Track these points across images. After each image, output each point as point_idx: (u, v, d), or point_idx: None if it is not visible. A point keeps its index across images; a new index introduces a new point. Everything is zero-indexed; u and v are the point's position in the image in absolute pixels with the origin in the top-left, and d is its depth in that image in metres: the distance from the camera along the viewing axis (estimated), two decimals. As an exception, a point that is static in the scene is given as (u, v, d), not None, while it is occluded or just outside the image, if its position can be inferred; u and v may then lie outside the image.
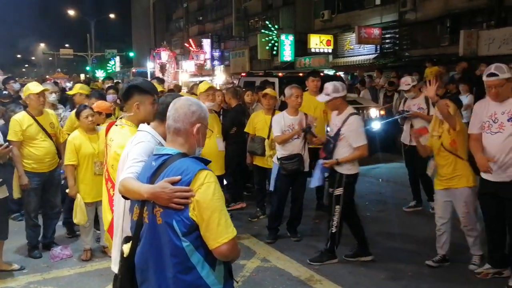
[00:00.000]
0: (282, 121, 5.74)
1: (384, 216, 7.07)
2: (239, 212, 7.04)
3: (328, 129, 5.47)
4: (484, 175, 4.57)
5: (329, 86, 5.13)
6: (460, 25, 18.33)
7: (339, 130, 5.08)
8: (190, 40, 40.35)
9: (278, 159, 5.74)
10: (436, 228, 5.16)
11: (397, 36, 22.70)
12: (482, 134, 4.57)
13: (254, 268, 5.15)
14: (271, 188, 5.97)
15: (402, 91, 7.53)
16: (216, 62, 38.78)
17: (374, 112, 11.01)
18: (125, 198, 2.52)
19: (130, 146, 2.79)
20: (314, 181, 5.37)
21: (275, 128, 5.79)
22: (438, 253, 5.14)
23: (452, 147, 4.88)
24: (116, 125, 3.40)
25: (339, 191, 5.12)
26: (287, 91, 5.82)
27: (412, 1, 20.85)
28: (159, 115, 2.90)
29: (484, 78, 4.41)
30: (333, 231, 5.18)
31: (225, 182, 4.75)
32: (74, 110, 6.27)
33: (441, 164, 4.99)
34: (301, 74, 11.89)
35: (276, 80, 10.82)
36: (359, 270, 5.09)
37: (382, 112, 11.26)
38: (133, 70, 41.93)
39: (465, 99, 9.71)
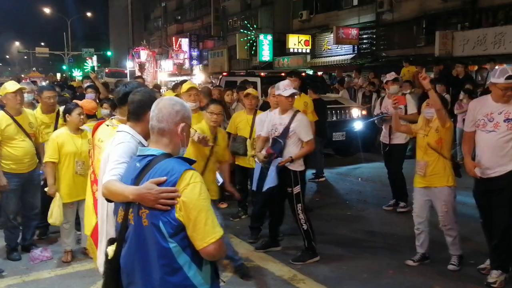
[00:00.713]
0: (267, 120, 5.74)
1: (365, 214, 7.15)
2: (221, 211, 7.01)
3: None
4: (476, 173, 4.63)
5: (290, 83, 5.33)
6: (435, 26, 18.59)
7: (287, 128, 5.16)
8: (172, 38, 40.04)
9: (261, 159, 5.74)
10: (414, 227, 5.22)
11: (374, 36, 22.92)
12: (476, 132, 4.62)
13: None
14: (254, 188, 5.96)
15: (383, 90, 7.60)
16: (194, 62, 38.62)
17: (356, 112, 11.10)
18: (109, 200, 2.48)
19: (111, 147, 2.73)
20: (269, 182, 5.19)
21: (258, 127, 5.80)
22: (417, 251, 5.18)
23: (437, 145, 4.94)
24: (107, 125, 3.30)
25: (297, 189, 5.23)
26: (269, 91, 5.87)
27: (388, 2, 21.07)
28: (132, 115, 2.80)
29: (502, 80, 4.32)
30: (304, 229, 5.25)
31: (221, 180, 4.84)
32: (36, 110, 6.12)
33: (426, 160, 5.02)
34: (282, 74, 11.89)
35: (258, 80, 10.83)
36: (341, 269, 5.13)
37: (364, 112, 11.35)
38: (107, 70, 40.96)
39: (442, 99, 9.88)
